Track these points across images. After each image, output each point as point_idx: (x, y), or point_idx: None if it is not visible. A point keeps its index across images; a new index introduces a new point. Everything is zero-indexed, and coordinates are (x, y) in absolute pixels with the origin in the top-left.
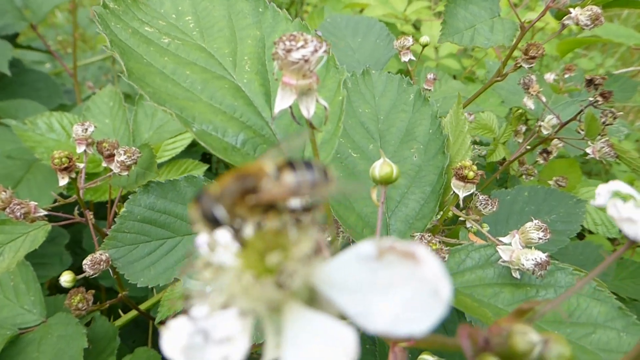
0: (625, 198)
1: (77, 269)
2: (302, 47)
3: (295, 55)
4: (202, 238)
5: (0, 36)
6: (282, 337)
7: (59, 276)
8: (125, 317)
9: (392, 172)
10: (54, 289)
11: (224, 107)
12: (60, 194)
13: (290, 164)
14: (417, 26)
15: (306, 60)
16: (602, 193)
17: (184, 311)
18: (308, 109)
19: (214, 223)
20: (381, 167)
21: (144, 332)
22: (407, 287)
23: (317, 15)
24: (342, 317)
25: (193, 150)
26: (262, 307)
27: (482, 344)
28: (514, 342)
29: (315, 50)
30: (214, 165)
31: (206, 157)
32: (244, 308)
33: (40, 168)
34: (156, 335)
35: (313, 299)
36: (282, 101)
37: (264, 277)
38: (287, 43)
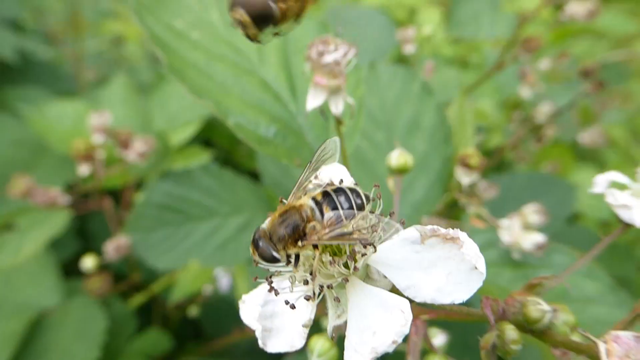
0: (620, 187)
1: (82, 254)
2: (334, 50)
3: (327, 59)
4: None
5: (0, 23)
6: (345, 307)
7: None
8: (137, 299)
9: (407, 163)
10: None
11: (254, 100)
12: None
13: (328, 195)
14: (413, 12)
15: (337, 63)
16: (600, 182)
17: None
18: (337, 106)
19: (274, 261)
20: (397, 157)
21: (149, 315)
22: (448, 264)
23: (315, 5)
24: (393, 290)
25: (195, 138)
26: (333, 282)
27: (500, 313)
28: (529, 310)
29: (345, 54)
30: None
31: (208, 144)
32: (320, 282)
33: (49, 155)
34: (164, 317)
35: (367, 276)
36: (314, 99)
37: (337, 257)
38: (320, 47)
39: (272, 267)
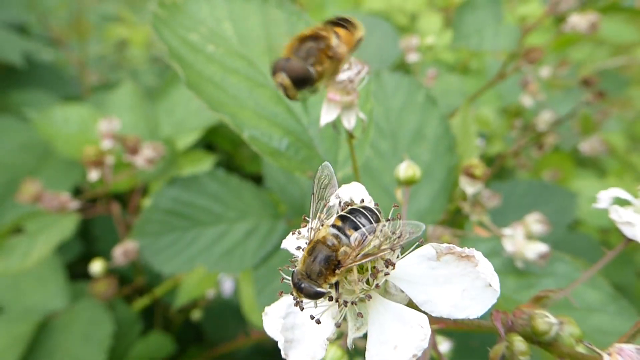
0: (623, 203)
1: (88, 258)
2: (348, 69)
3: (342, 76)
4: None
5: (7, 27)
6: (363, 320)
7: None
8: (141, 303)
9: (415, 174)
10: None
11: (267, 113)
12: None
13: (346, 219)
14: (414, 17)
15: (350, 81)
16: (603, 198)
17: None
18: (349, 121)
19: (319, 297)
20: (405, 169)
21: (151, 318)
22: (463, 281)
23: (315, 11)
24: (410, 304)
25: (198, 142)
26: (356, 298)
27: (509, 325)
28: (536, 323)
29: (359, 72)
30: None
31: (210, 148)
32: (344, 298)
33: (55, 159)
34: (167, 321)
35: (385, 290)
36: (328, 114)
37: (361, 275)
38: None
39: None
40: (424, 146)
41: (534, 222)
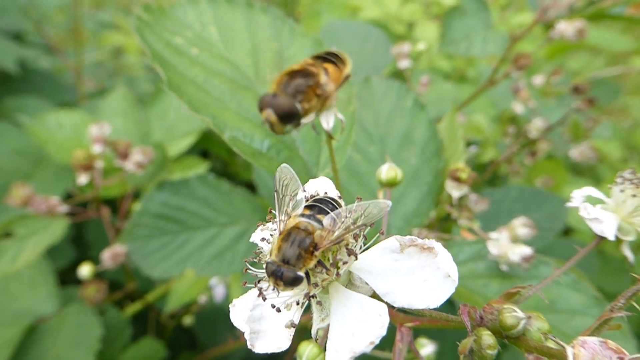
0: (596, 202)
1: (78, 263)
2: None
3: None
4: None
5: (3, 34)
6: (327, 311)
7: (64, 268)
8: (133, 308)
9: (396, 176)
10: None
11: (250, 115)
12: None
13: (313, 207)
14: (410, 26)
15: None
16: (576, 197)
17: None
18: (328, 122)
19: (298, 282)
20: (387, 171)
21: (143, 324)
22: (424, 272)
23: (312, 18)
24: (373, 296)
25: (193, 148)
26: (319, 288)
27: (478, 320)
28: (504, 317)
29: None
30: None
31: (204, 154)
32: (305, 290)
33: (48, 165)
34: (159, 326)
35: (350, 282)
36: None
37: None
38: None
39: (297, 289)
40: (412, 150)
41: (521, 226)
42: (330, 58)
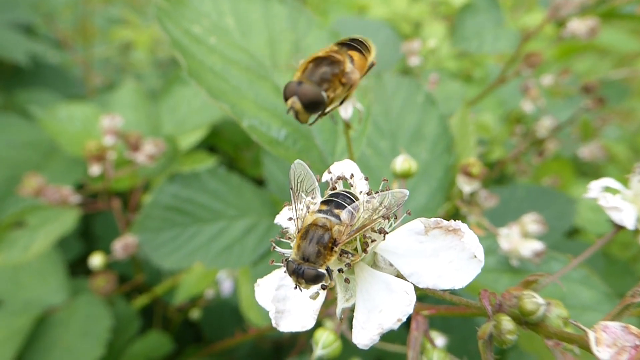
0: (613, 192)
1: (86, 257)
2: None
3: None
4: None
5: (14, 27)
6: (352, 292)
7: (73, 261)
8: (141, 301)
9: (410, 168)
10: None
11: (267, 104)
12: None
13: (330, 202)
14: (418, 25)
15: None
16: (594, 188)
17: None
18: (346, 111)
19: (320, 279)
20: (402, 163)
21: (150, 317)
22: (449, 253)
23: (319, 15)
24: (398, 277)
25: (200, 144)
26: (344, 266)
27: (497, 306)
28: (524, 303)
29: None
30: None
31: (213, 150)
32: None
33: (59, 157)
34: (166, 320)
35: (375, 263)
36: None
37: (350, 245)
38: None
39: (318, 287)
40: (422, 146)
41: (531, 222)
42: (355, 45)
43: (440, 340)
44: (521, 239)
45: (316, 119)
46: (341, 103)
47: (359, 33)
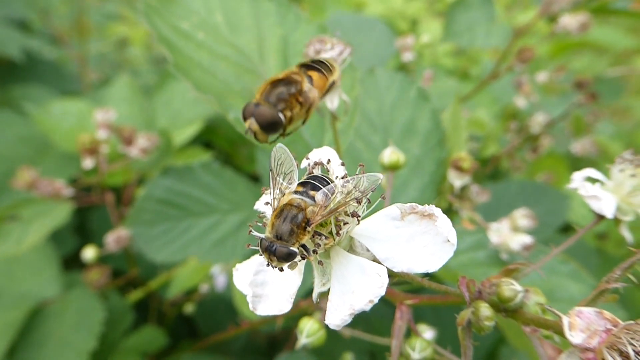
0: (594, 182)
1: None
2: (330, 49)
3: (324, 56)
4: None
5: (8, 23)
6: (329, 277)
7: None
8: (135, 295)
9: (398, 160)
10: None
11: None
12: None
13: (306, 184)
14: (414, 22)
15: (333, 61)
16: (577, 178)
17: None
18: (332, 102)
19: (292, 257)
20: (390, 155)
21: (145, 312)
22: (424, 238)
23: (316, 13)
24: (374, 261)
25: (196, 140)
26: (317, 247)
27: (477, 294)
28: (502, 290)
29: (341, 53)
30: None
31: (208, 145)
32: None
33: (52, 153)
34: (160, 315)
35: (351, 248)
36: None
37: (324, 228)
38: (317, 45)
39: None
40: (415, 140)
41: (521, 217)
42: (315, 66)
43: (428, 333)
44: (511, 232)
45: (277, 138)
46: (304, 123)
47: (354, 28)
